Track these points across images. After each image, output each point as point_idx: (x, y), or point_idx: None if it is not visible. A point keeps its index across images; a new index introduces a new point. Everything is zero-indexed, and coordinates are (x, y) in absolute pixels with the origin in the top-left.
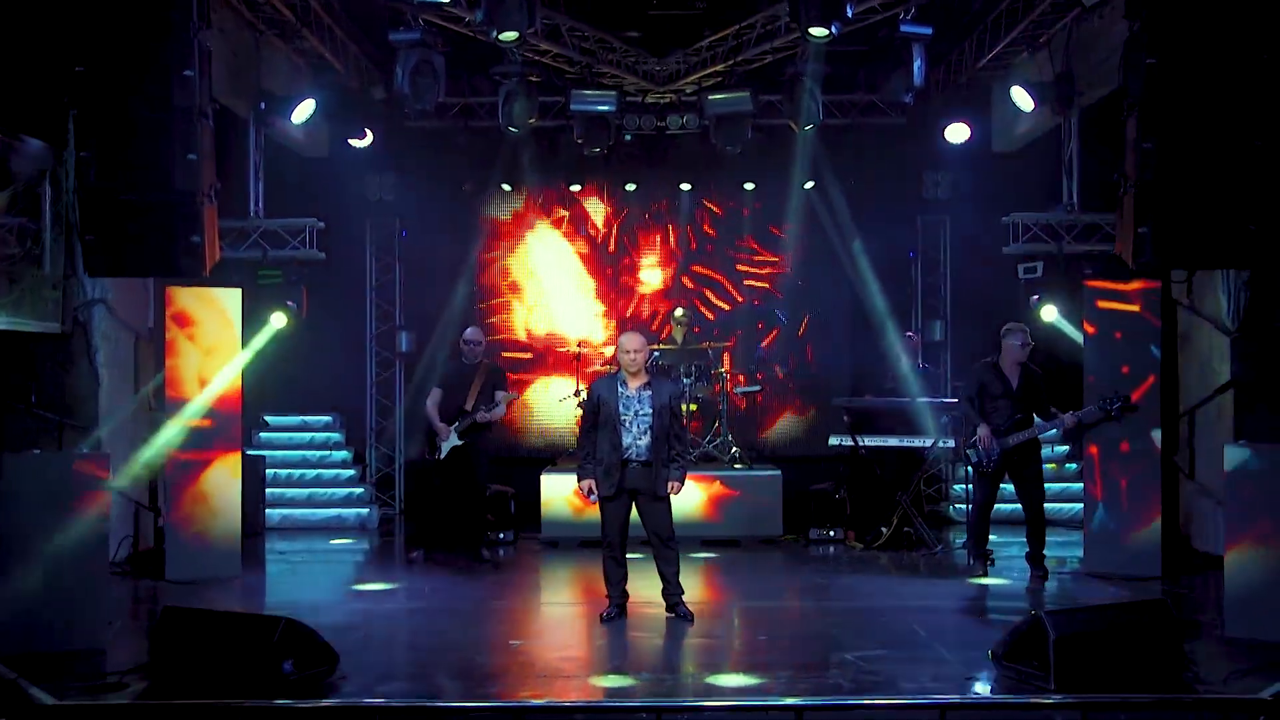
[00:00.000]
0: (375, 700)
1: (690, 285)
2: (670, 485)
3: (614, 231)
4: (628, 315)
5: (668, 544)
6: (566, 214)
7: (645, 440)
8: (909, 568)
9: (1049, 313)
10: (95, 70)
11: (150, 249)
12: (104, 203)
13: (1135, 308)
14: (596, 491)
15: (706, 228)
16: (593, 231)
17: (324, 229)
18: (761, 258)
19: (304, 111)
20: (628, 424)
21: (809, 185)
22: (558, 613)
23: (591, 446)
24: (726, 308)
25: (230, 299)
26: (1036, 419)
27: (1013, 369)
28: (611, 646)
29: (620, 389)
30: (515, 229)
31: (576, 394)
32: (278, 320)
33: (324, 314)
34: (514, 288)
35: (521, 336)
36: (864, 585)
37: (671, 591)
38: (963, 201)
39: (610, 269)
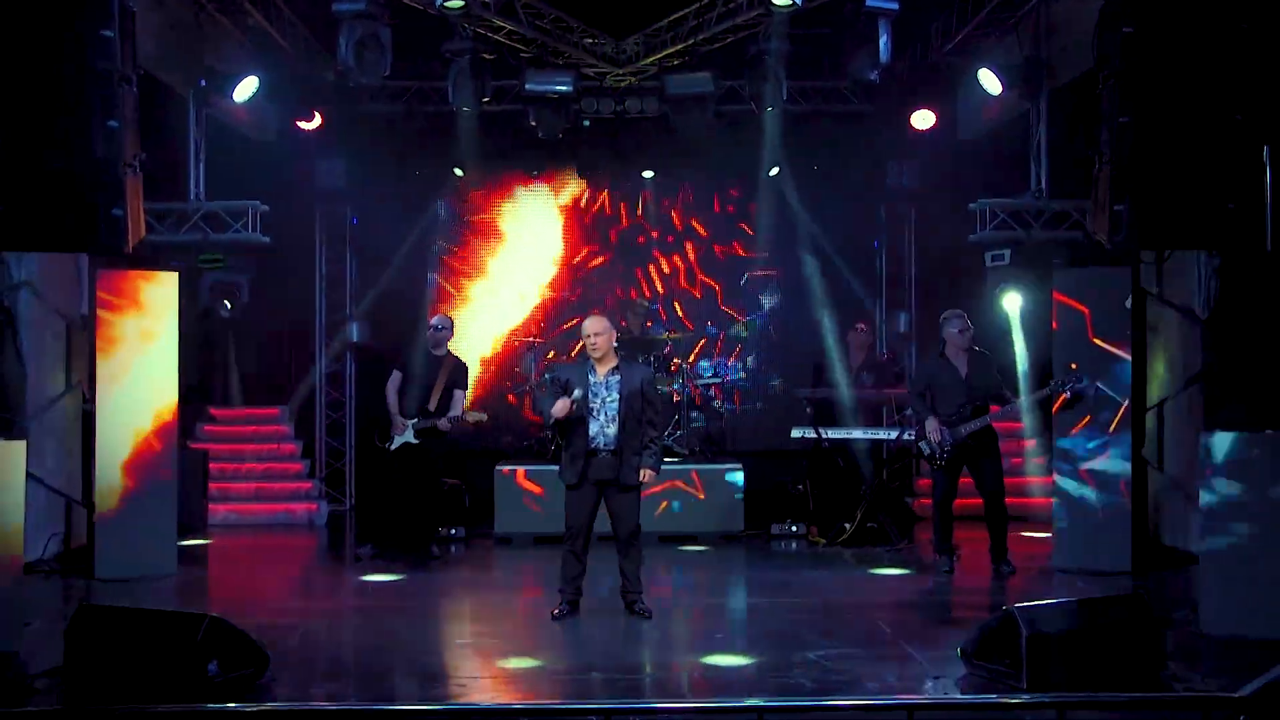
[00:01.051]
0: (301, 704)
1: (650, 274)
2: (642, 473)
3: (572, 219)
4: (585, 304)
5: (632, 540)
6: (523, 201)
7: (613, 429)
8: (873, 563)
9: (1011, 301)
10: (7, 31)
11: (69, 222)
12: (18, 171)
13: (1084, 309)
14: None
15: (668, 215)
16: (550, 219)
17: (268, 212)
18: (725, 246)
19: (247, 89)
20: (595, 411)
21: (774, 172)
22: (508, 610)
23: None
24: (696, 295)
25: (166, 283)
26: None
27: (959, 356)
28: (563, 644)
29: (589, 376)
30: (470, 216)
31: (529, 386)
32: (224, 311)
33: (272, 303)
34: (469, 277)
35: (475, 327)
36: (827, 582)
37: (631, 589)
38: (928, 190)
39: (568, 257)
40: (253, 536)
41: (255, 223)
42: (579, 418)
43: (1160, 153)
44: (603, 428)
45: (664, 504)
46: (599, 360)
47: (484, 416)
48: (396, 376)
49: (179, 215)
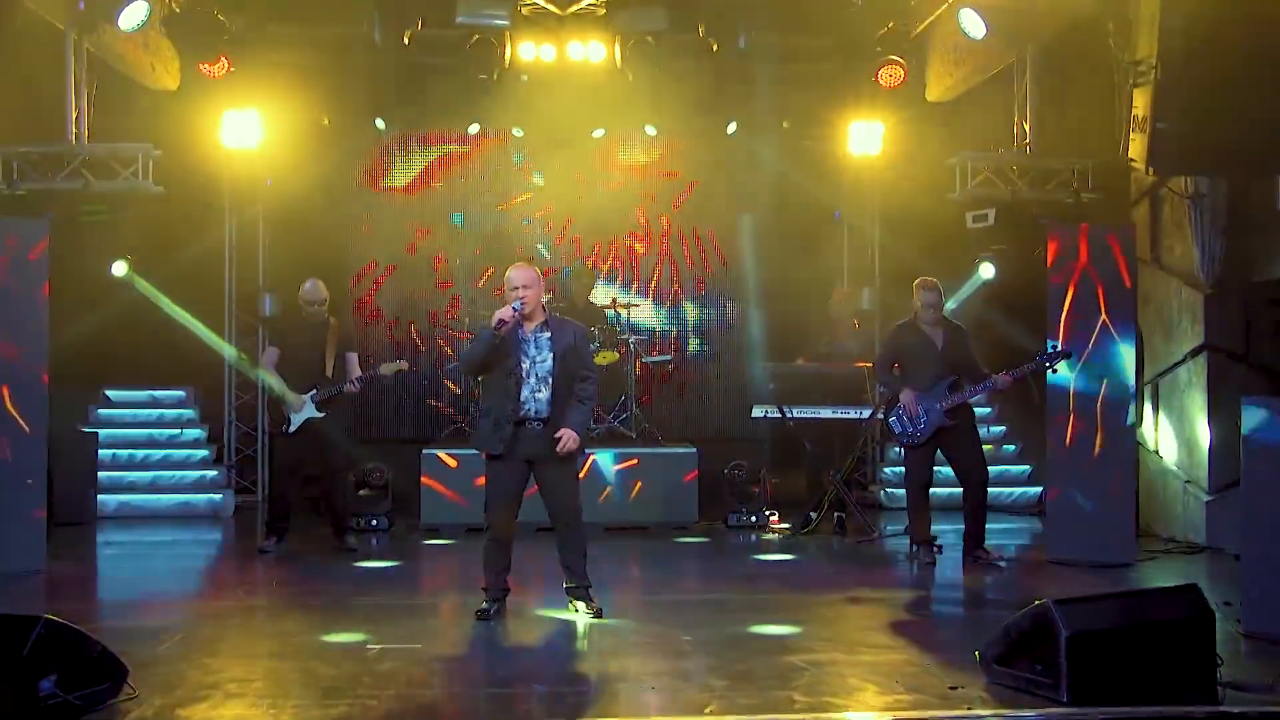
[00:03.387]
0: None
1: (595, 240)
2: (562, 435)
3: (509, 178)
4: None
5: (572, 525)
6: (454, 157)
7: (544, 394)
8: (846, 557)
9: (986, 271)
10: None
11: None
12: None
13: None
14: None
15: (615, 173)
16: (485, 178)
17: (161, 157)
18: (679, 210)
19: (134, 16)
20: (525, 374)
21: (731, 129)
22: (430, 610)
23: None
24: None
25: (31, 232)
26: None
27: (934, 327)
28: (493, 651)
29: (516, 333)
30: (396, 175)
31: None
32: (118, 269)
33: (176, 274)
34: (395, 243)
35: (401, 299)
36: (798, 576)
37: (575, 580)
38: (897, 155)
39: (504, 221)
40: (146, 529)
41: (147, 169)
42: (505, 375)
43: (1206, 67)
44: (533, 392)
45: (607, 490)
46: (526, 316)
47: (404, 365)
48: (273, 353)
49: (54, 158)
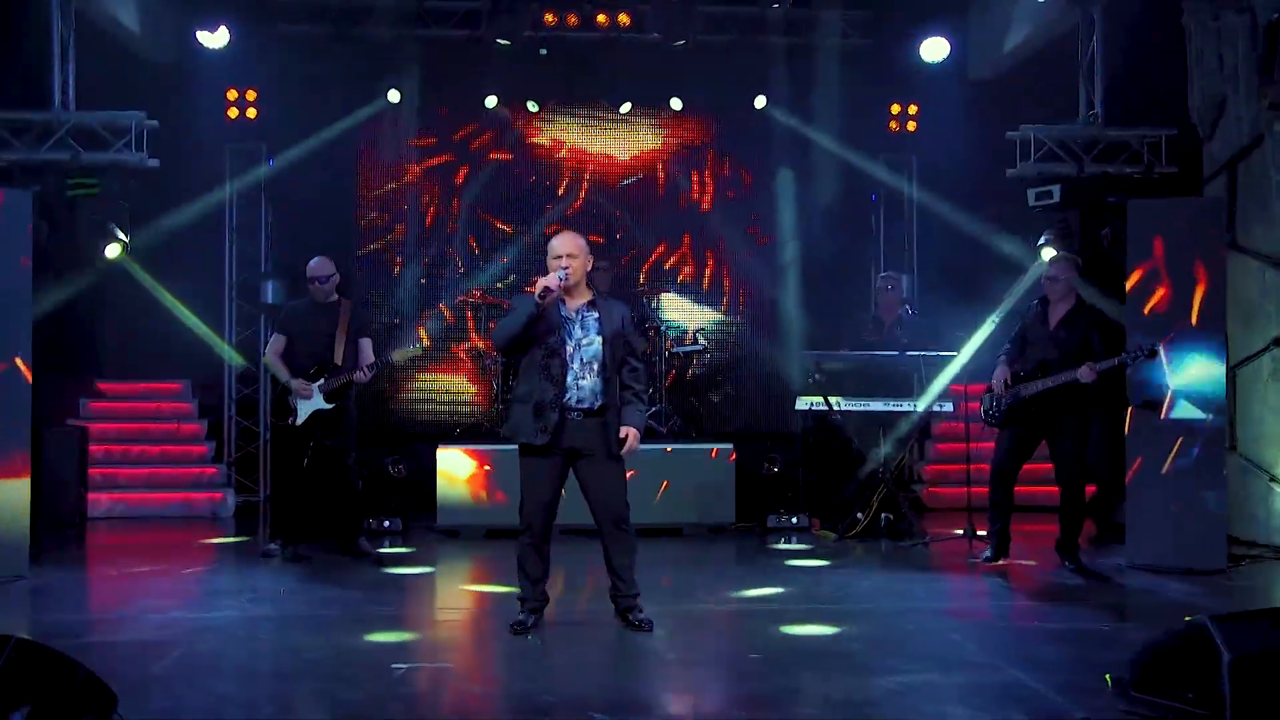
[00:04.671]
0: None
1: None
2: (624, 432)
3: (531, 156)
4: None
5: (620, 526)
6: (472, 136)
7: (589, 381)
8: (904, 562)
9: (1048, 255)
10: None
11: None
12: None
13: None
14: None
15: (644, 150)
16: (505, 156)
17: (156, 128)
18: (711, 191)
19: None
20: (569, 358)
21: (760, 103)
22: (459, 623)
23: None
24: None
25: (16, 205)
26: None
27: (1056, 304)
28: (535, 671)
29: (559, 310)
30: (410, 155)
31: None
32: (111, 251)
33: (173, 258)
34: (406, 227)
35: (414, 286)
36: (860, 584)
37: (624, 592)
38: (937, 133)
39: (525, 204)
40: (142, 532)
41: (140, 140)
42: (547, 354)
43: None
44: (576, 379)
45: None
46: (570, 291)
47: (419, 348)
48: (279, 339)
49: (40, 127)
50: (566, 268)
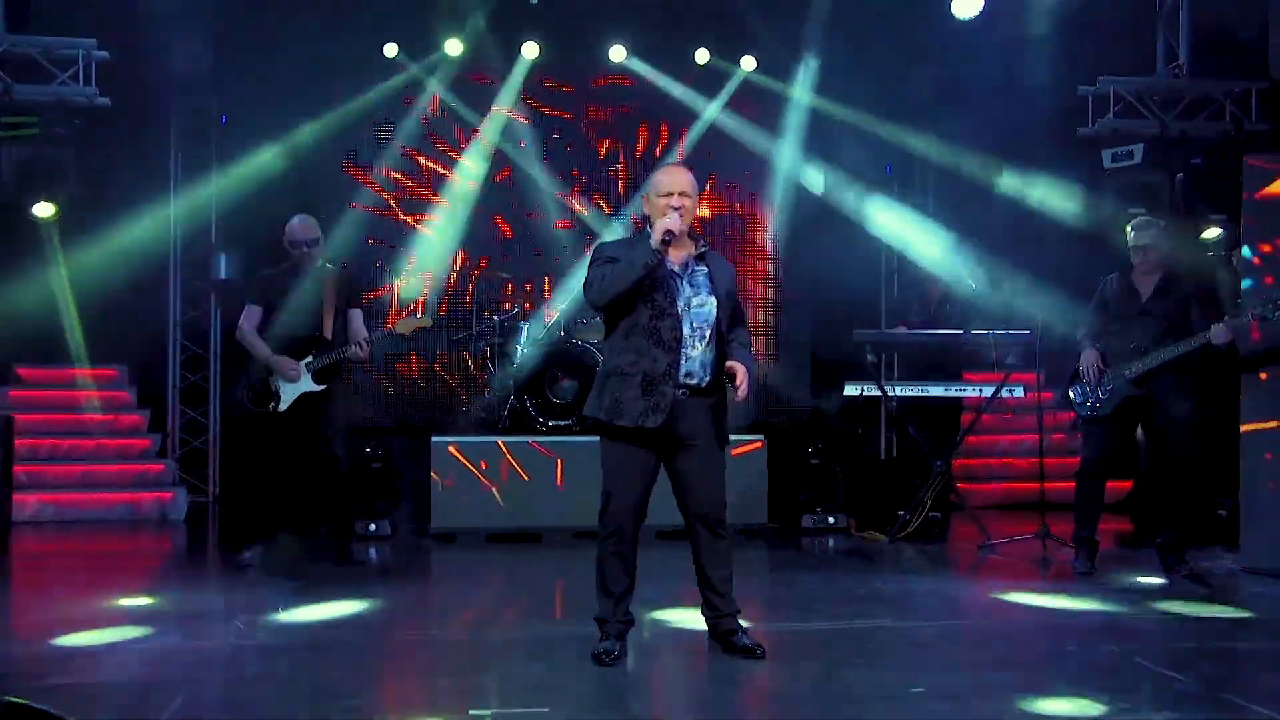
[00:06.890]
0: None
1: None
2: (735, 372)
3: (529, 118)
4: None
5: (719, 529)
6: (459, 90)
7: (699, 352)
8: (999, 572)
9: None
10: None
11: None
12: None
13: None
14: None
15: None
16: (498, 118)
17: (107, 60)
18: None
19: None
20: (681, 318)
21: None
22: (529, 652)
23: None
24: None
25: None
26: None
27: (1147, 275)
28: (643, 714)
29: (664, 261)
30: (383, 113)
31: (470, 336)
32: (41, 209)
33: (110, 227)
34: (383, 195)
35: (395, 265)
36: (942, 595)
37: (723, 610)
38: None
39: (521, 171)
40: (80, 538)
41: (89, 73)
42: (656, 316)
43: None
44: (686, 350)
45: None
46: (676, 240)
47: (427, 320)
48: (254, 311)
49: None
50: (678, 207)
